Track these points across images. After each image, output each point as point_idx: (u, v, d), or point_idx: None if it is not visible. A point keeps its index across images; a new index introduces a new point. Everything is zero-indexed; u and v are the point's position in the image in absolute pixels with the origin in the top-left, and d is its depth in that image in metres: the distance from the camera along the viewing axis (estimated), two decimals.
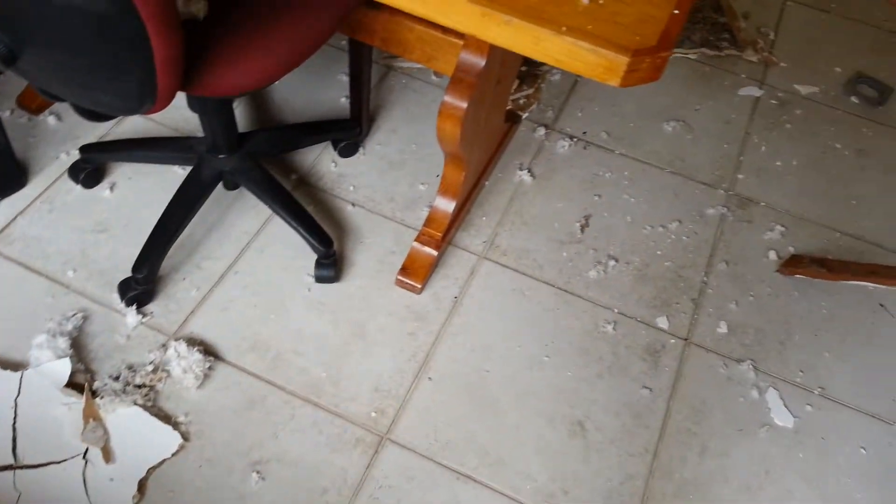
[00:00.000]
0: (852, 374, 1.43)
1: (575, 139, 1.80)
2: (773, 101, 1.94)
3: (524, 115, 1.85)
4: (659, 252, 1.60)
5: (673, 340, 1.46)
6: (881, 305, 1.54)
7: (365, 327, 1.41)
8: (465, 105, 1.22)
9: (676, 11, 0.86)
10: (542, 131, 1.81)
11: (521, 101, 1.89)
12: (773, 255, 1.60)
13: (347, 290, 1.46)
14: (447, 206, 1.49)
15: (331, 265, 1.44)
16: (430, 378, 1.35)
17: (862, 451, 1.34)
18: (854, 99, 1.98)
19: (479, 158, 1.57)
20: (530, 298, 1.49)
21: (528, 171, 1.71)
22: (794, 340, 1.47)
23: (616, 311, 1.49)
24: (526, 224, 1.62)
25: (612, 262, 1.57)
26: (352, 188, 1.63)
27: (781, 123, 1.89)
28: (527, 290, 1.51)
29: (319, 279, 1.45)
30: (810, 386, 1.41)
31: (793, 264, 1.54)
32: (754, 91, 1.96)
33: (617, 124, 1.84)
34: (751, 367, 1.42)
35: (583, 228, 1.63)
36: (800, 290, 1.55)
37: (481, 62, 1.21)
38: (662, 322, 1.48)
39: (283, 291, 1.44)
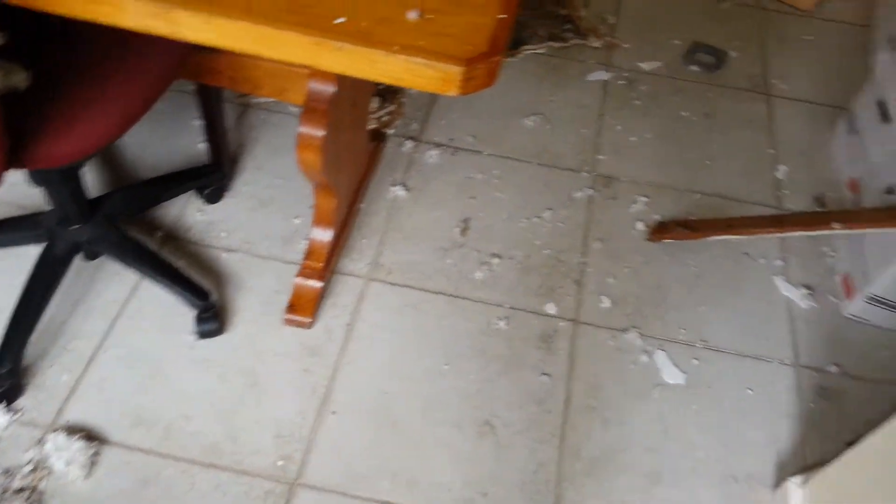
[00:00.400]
0: (728, 322, 1.53)
1: (443, 147, 1.84)
2: (621, 82, 2.05)
3: (390, 132, 1.87)
4: (538, 242, 1.65)
5: (563, 324, 1.51)
6: (745, 254, 1.65)
7: (257, 374, 1.38)
8: (322, 133, 1.22)
9: (502, 16, 0.90)
10: (409, 145, 1.83)
11: (385, 119, 1.91)
12: (640, 225, 1.69)
13: (233, 339, 1.43)
14: (324, 235, 1.48)
15: (212, 318, 1.40)
16: (333, 412, 1.34)
17: (749, 391, 1.43)
18: (694, 67, 2.11)
19: (349, 182, 1.58)
20: (422, 311, 1.51)
21: (402, 186, 1.73)
22: (672, 302, 1.55)
23: (506, 306, 1.53)
24: (407, 238, 1.64)
25: (495, 260, 1.61)
26: (224, 234, 1.60)
27: (631, 101, 2.00)
28: (418, 303, 1.52)
29: (202, 335, 1.41)
30: (693, 341, 1.49)
31: (659, 231, 1.63)
32: (602, 75, 2.06)
33: (480, 126, 1.89)
34: (637, 334, 1.49)
35: (463, 232, 1.66)
36: (669, 253, 1.64)
37: (331, 88, 1.22)
38: (551, 308, 1.53)
39: (163, 356, 1.39)
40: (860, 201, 1.65)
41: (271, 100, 1.89)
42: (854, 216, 1.39)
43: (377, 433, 1.32)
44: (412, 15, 0.90)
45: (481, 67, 0.88)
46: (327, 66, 0.90)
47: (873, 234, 1.46)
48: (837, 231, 1.38)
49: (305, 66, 0.93)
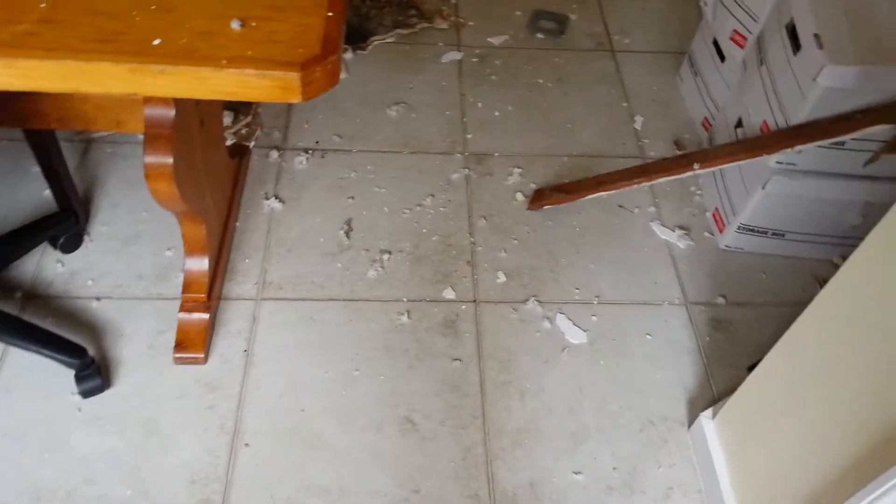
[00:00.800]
0: (617, 274, 1.59)
1: (310, 151, 1.78)
2: (474, 59, 2.06)
3: (251, 144, 1.79)
4: (424, 230, 1.64)
5: (464, 306, 1.51)
6: (620, 206, 1.71)
7: (157, 422, 1.29)
8: (170, 160, 1.14)
9: (330, 14, 0.86)
10: (275, 154, 1.76)
11: (244, 132, 1.82)
12: (520, 196, 1.72)
13: (123, 391, 1.32)
14: (200, 264, 1.40)
15: (93, 374, 1.29)
16: (246, 444, 1.28)
17: (648, 337, 1.49)
18: (539, 35, 2.16)
19: (216, 205, 1.49)
20: (321, 321, 1.46)
21: (276, 198, 1.67)
22: (562, 264, 1.59)
23: (405, 300, 1.51)
24: (291, 250, 1.58)
25: (385, 256, 1.58)
26: (90, 282, 1.47)
27: (487, 76, 2.02)
28: (315, 314, 1.47)
29: (86, 394, 1.29)
30: (589, 299, 1.54)
31: (537, 199, 1.66)
32: (455, 55, 2.07)
33: (345, 125, 1.85)
34: (535, 302, 1.52)
35: (348, 234, 1.62)
36: (551, 218, 1.67)
37: (170, 112, 1.13)
38: (449, 293, 1.53)
39: (52, 422, 1.27)
40: (714, 138, 1.76)
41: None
42: (711, 154, 1.48)
43: (298, 454, 1.27)
44: (235, 25, 0.85)
45: (318, 70, 0.84)
46: (153, 91, 0.84)
47: (731, 168, 1.55)
48: (699, 171, 1.46)
49: (133, 94, 0.86)
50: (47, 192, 1.60)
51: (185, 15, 0.87)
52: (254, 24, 0.84)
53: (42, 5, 0.84)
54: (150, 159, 1.14)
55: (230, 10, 0.88)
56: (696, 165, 1.44)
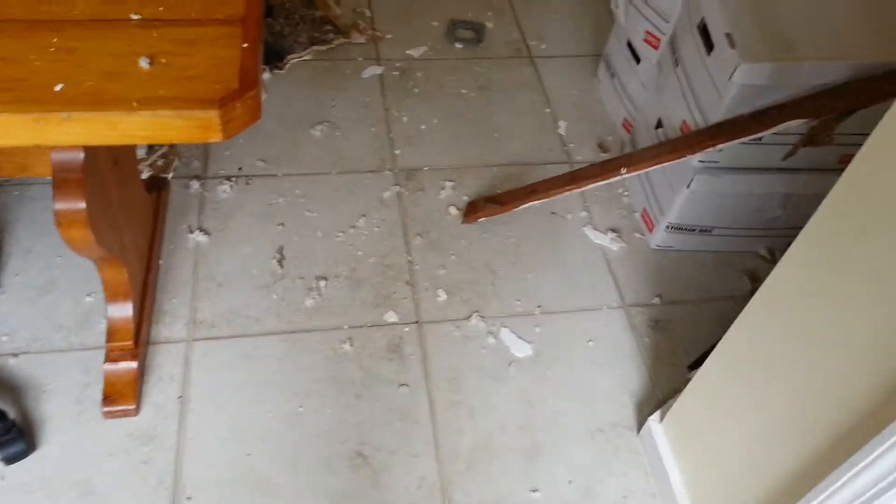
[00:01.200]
0: (555, 282, 1.59)
1: (234, 179, 1.71)
2: (395, 73, 2.04)
3: (169, 176, 1.71)
4: (360, 253, 1.60)
5: (407, 328, 1.48)
6: (553, 213, 1.72)
7: (90, 483, 1.21)
8: (82, 205, 1.07)
9: (245, 45, 0.82)
10: (196, 184, 1.69)
11: (160, 163, 1.74)
12: (453, 210, 1.70)
13: (51, 453, 1.23)
14: (123, 310, 1.32)
15: (16, 438, 1.20)
16: (188, 498, 1.21)
17: (590, 343, 1.50)
18: (458, 45, 2.15)
19: (135, 244, 1.41)
20: (259, 357, 1.40)
21: (201, 230, 1.60)
22: (502, 277, 1.59)
23: (346, 327, 1.47)
24: (222, 285, 1.51)
25: (322, 283, 1.53)
26: (5, 338, 1.37)
27: (410, 90, 1.99)
28: (252, 351, 1.42)
29: (9, 460, 1.20)
30: (530, 310, 1.54)
31: (471, 212, 1.65)
32: (375, 70, 2.04)
33: (268, 148, 1.79)
34: (478, 318, 1.51)
35: (281, 262, 1.56)
36: (487, 231, 1.67)
37: (79, 155, 1.06)
38: (391, 316, 1.50)
39: None
40: (636, 139, 1.79)
41: None
42: (636, 158, 1.50)
43: (246, 501, 1.22)
44: (143, 63, 0.79)
45: (239, 106, 0.80)
46: (58, 140, 0.78)
47: (656, 168, 1.58)
48: (626, 175, 1.48)
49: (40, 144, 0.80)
50: None
51: (87, 55, 0.81)
52: (163, 60, 0.79)
53: None
54: (60, 206, 1.07)
55: (136, 47, 0.82)
56: (623, 170, 1.46)
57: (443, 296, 1.54)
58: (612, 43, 1.95)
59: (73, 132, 0.76)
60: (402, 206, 1.70)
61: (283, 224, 1.64)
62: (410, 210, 1.70)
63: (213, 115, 0.77)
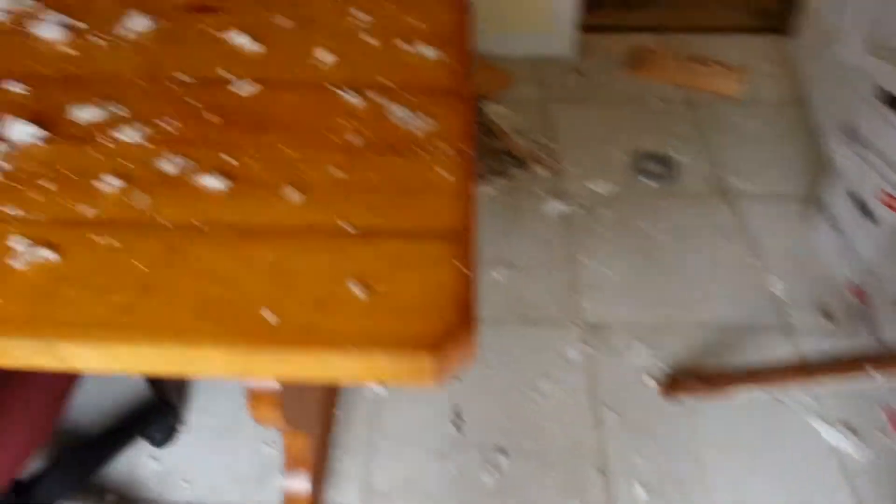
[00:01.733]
0: (778, 490, 1.35)
1: None
2: (580, 211, 1.92)
3: None
4: (544, 423, 1.46)
5: None
6: (777, 400, 1.48)
7: None
8: (276, 385, 1.01)
9: (468, 272, 0.72)
10: None
11: None
12: (649, 381, 1.52)
13: None
14: (301, 484, 1.25)
15: None
16: None
17: None
18: (645, 179, 2.01)
19: (318, 410, 1.36)
20: None
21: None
22: (711, 473, 1.37)
23: None
24: (397, 445, 1.42)
25: (501, 458, 1.40)
26: (185, 484, 1.35)
27: (595, 231, 1.87)
28: None
29: None
30: None
31: (673, 387, 1.47)
32: (558, 206, 1.93)
33: None
34: None
35: (457, 425, 1.45)
36: (691, 409, 1.47)
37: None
38: None
39: None
40: (873, 315, 1.54)
41: None
42: (891, 362, 1.25)
43: None
44: (356, 289, 0.70)
45: (456, 351, 0.67)
46: (264, 376, 0.71)
47: None
48: (878, 379, 1.24)
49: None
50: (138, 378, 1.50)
51: (297, 276, 0.72)
52: (376, 286, 0.70)
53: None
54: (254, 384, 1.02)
55: (348, 265, 0.73)
56: (872, 373, 1.23)
57: (642, 494, 1.34)
58: (831, 190, 1.73)
59: (280, 370, 0.70)
60: (591, 371, 1.55)
61: (458, 379, 1.53)
62: (600, 376, 1.54)
63: (427, 361, 0.67)
